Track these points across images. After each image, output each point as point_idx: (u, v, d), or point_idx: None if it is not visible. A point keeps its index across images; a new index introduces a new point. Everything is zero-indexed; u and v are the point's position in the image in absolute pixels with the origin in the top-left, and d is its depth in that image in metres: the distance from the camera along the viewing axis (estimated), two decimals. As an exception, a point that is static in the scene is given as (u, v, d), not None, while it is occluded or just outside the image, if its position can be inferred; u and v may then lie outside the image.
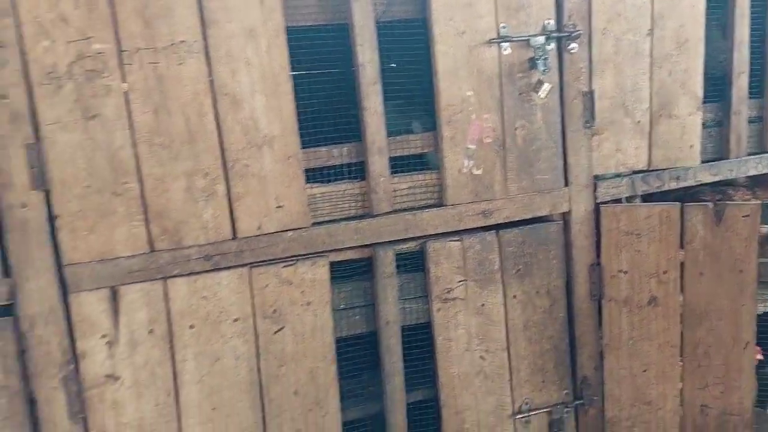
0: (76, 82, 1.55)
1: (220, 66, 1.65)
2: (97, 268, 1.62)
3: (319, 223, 1.81)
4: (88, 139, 1.58)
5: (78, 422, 1.64)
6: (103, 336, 1.65)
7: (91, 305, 1.63)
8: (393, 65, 1.93)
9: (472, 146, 1.90)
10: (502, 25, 1.88)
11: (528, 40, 1.90)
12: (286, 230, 1.77)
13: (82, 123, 1.57)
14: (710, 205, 2.02)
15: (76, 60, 1.54)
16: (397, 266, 1.91)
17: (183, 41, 1.61)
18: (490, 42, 1.88)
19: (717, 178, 2.19)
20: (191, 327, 1.72)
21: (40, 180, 1.55)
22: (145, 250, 1.66)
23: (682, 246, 2.04)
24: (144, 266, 1.66)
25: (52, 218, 1.58)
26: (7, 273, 1.56)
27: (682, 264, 2.05)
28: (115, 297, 1.64)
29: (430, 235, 1.92)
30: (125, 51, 1.57)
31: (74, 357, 1.63)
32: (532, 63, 1.91)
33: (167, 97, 1.62)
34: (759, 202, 2.06)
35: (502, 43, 1.89)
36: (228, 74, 1.66)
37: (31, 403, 1.61)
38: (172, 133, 1.63)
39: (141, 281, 1.66)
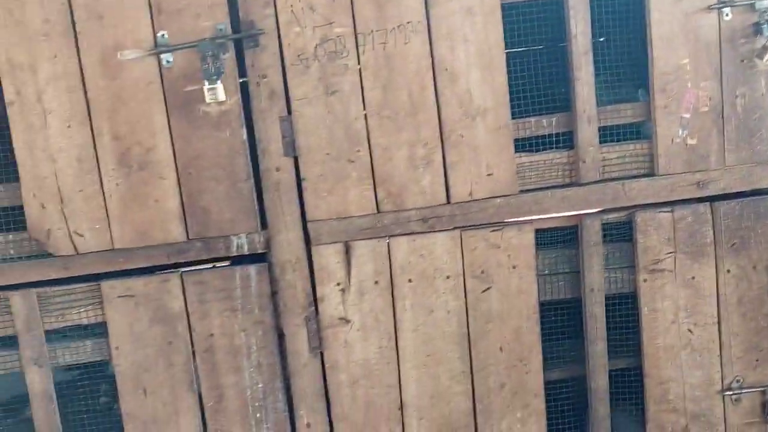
0: (320, 63, 1.79)
1: (441, 43, 1.80)
2: (334, 224, 1.87)
3: (526, 191, 1.91)
4: (329, 113, 1.82)
5: (316, 356, 1.92)
6: (338, 284, 1.89)
7: (328, 257, 1.88)
8: (602, 39, 1.96)
9: (687, 115, 1.87)
10: (723, -11, 1.82)
11: (753, 4, 1.82)
12: (495, 197, 1.89)
13: (324, 98, 1.81)
14: None
15: (320, 43, 1.78)
16: (603, 235, 1.95)
17: (409, 22, 1.78)
18: (709, 8, 1.83)
19: None
20: (410, 281, 1.91)
21: (290, 148, 1.82)
22: (373, 211, 1.87)
23: None
24: (372, 225, 1.88)
25: (299, 181, 1.84)
26: (265, 226, 1.85)
27: None
28: (347, 251, 1.88)
29: (639, 205, 1.92)
30: (360, 33, 1.78)
31: (314, 300, 1.89)
32: (757, 28, 1.83)
33: (394, 73, 1.81)
34: None
35: (723, 9, 1.83)
36: (447, 50, 1.81)
37: (280, 336, 1.91)
38: (397, 107, 1.82)
39: (369, 238, 1.88)
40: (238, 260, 1.90)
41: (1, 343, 1.90)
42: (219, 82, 1.71)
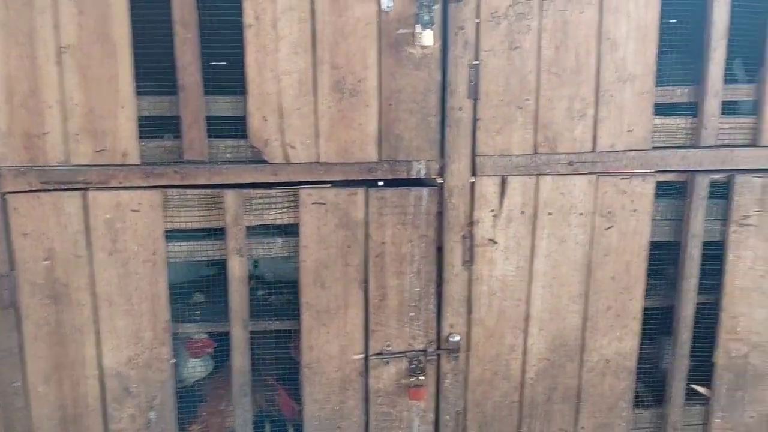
0: (509, 21, 2.10)
1: (608, 15, 2.13)
2: (496, 160, 2.20)
3: (655, 148, 2.28)
4: (509, 65, 2.13)
5: (467, 269, 2.28)
6: (491, 210, 2.25)
7: (487, 187, 2.22)
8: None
9: (793, 98, 2.27)
10: (838, -5, 2.19)
11: None
12: (630, 150, 2.25)
13: (507, 52, 2.12)
14: None
15: (512, 4, 2.08)
16: (704, 191, 2.34)
17: (586, -5, 2.10)
18: (828, 6, 2.20)
19: None
20: (549, 214, 2.27)
21: (473, 91, 2.14)
22: (530, 152, 2.22)
23: None
24: (526, 164, 2.22)
25: (475, 120, 2.17)
26: (443, 155, 2.18)
27: None
28: (503, 183, 2.23)
29: (739, 169, 2.32)
30: (546, 0, 2.09)
31: (470, 222, 2.24)
32: None
33: (567, 37, 2.13)
34: None
35: (835, 12, 2.20)
36: (612, 23, 2.14)
37: (438, 249, 2.26)
38: (564, 66, 2.15)
39: (522, 174, 2.23)
40: (412, 182, 2.22)
41: (204, 234, 2.20)
42: (430, 29, 2.00)
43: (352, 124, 2.11)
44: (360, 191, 2.17)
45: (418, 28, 2.01)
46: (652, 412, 2.54)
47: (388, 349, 2.30)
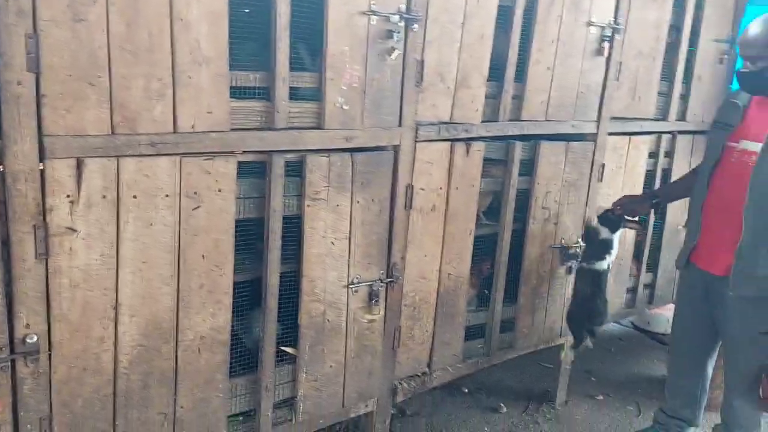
0: (71, -9, 1.94)
1: (179, -3, 2.15)
2: (69, 141, 2.03)
3: (235, 130, 2.40)
4: (74, 38, 1.97)
5: (42, 262, 2.05)
6: (68, 196, 2.07)
7: (61, 170, 2.03)
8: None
9: (345, 88, 2.63)
10: (373, 2, 2.62)
11: (389, 17, 2.67)
12: (212, 131, 2.33)
13: (71, 24, 1.96)
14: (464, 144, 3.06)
15: (67, -27, 1.93)
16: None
17: (157, -27, 2.07)
18: (363, 13, 2.61)
19: (490, 134, 3.21)
20: (134, 197, 2.20)
21: (34, 64, 1.91)
22: (107, 132, 2.10)
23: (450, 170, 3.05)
24: (105, 145, 2.10)
25: (39, 96, 1.95)
26: (1, 136, 1.91)
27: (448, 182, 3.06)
28: (80, 166, 2.07)
29: (309, 150, 2.61)
30: (113, -28, 2.00)
31: (44, 210, 2.03)
32: (389, 34, 2.69)
33: (138, 14, 2.07)
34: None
35: (371, 16, 2.63)
36: (183, 4, 2.16)
37: (3, 243, 1.99)
38: (138, 43, 2.09)
39: (101, 156, 2.11)
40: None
41: None
42: (-31, -13, 1.72)
43: None
44: None
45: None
46: (248, 378, 2.71)
47: (-57, 365, 1.94)
